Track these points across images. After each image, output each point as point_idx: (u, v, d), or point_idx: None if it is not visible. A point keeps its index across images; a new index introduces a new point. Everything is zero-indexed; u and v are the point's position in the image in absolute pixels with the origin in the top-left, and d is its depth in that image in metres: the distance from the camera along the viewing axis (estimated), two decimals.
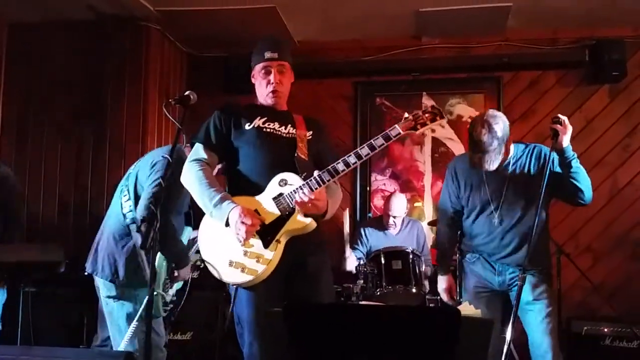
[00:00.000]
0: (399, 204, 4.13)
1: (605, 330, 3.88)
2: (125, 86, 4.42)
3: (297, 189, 2.23)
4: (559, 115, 2.64)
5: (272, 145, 2.37)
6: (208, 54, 5.02)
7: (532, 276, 2.74)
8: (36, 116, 4.46)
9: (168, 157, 2.23)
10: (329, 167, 2.25)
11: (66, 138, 4.41)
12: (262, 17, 4.35)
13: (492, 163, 2.69)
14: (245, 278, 2.26)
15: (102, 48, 4.47)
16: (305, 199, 2.20)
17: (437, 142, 4.78)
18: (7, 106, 4.50)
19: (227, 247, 2.29)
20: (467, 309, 1.72)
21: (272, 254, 2.26)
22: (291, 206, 2.27)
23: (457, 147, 4.70)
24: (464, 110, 4.75)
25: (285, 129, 2.44)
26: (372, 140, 2.25)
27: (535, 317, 2.73)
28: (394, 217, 4.10)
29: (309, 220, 2.26)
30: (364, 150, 2.25)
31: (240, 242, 2.25)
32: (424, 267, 3.43)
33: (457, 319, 1.42)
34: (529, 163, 2.82)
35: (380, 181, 4.79)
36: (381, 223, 4.22)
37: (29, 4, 4.22)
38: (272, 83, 2.43)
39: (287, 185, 2.29)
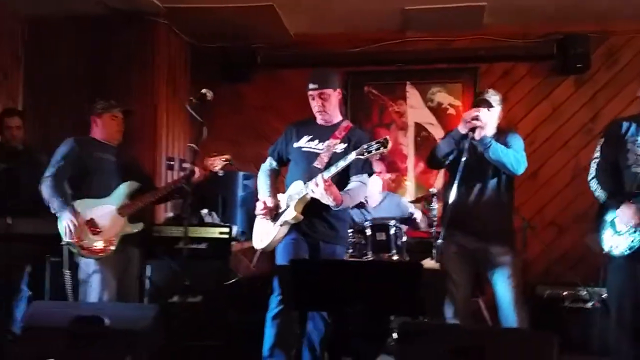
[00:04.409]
0: (372, 183, 4.22)
1: (565, 293, 4.38)
2: (134, 77, 4.75)
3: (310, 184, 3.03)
4: (477, 114, 3.09)
5: (304, 161, 3.22)
6: (209, 45, 5.32)
7: (498, 243, 3.19)
8: (53, 106, 4.78)
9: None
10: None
11: (81, 128, 4.74)
12: (261, 12, 4.75)
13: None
14: (258, 245, 3.28)
15: (112, 41, 4.78)
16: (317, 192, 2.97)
17: (419, 127, 5.25)
18: (28, 96, 4.84)
19: (261, 223, 3.30)
20: (428, 263, 2.19)
21: (275, 233, 3.17)
22: (288, 205, 3.14)
23: (438, 132, 5.15)
24: (444, 98, 5.20)
25: (322, 145, 3.20)
26: (340, 160, 3.03)
27: (499, 276, 3.17)
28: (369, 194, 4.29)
29: (294, 214, 3.09)
30: (332, 169, 3.03)
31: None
32: (405, 238, 3.91)
33: (419, 270, 1.91)
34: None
35: None
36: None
37: None
38: (315, 107, 3.23)
39: (295, 188, 3.15)
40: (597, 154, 3.14)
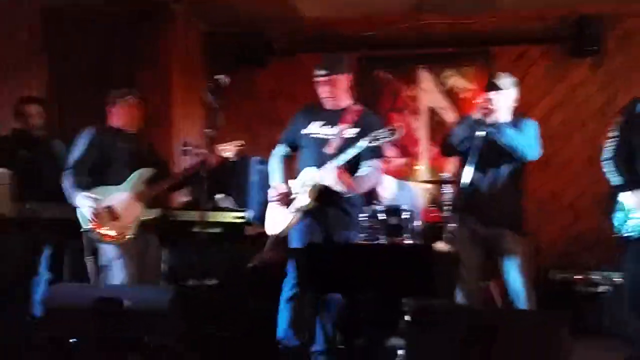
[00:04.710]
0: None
1: (578, 277, 4.39)
2: (150, 64, 4.81)
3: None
4: (489, 98, 3.10)
5: (315, 147, 3.23)
6: (223, 32, 5.36)
7: (509, 229, 3.21)
8: (74, 96, 4.86)
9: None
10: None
11: (100, 115, 4.80)
12: None
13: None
14: (271, 231, 3.30)
15: (128, 28, 4.84)
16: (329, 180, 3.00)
17: (432, 112, 5.25)
18: (48, 86, 4.90)
19: (273, 209, 3.31)
20: (439, 246, 2.22)
21: (288, 220, 3.20)
22: (300, 192, 3.14)
23: (451, 116, 5.14)
24: (457, 82, 5.18)
25: (333, 130, 3.19)
26: (351, 148, 3.04)
27: (510, 262, 3.20)
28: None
29: (306, 201, 3.11)
30: (343, 156, 3.05)
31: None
32: (417, 222, 3.94)
33: (429, 253, 1.94)
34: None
35: None
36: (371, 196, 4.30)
37: None
38: (323, 93, 3.22)
39: (307, 175, 3.16)
40: (612, 134, 3.11)
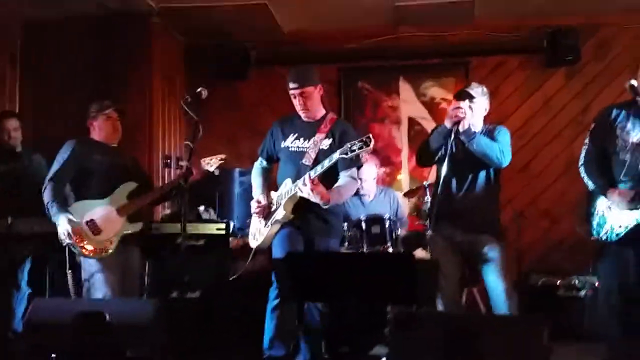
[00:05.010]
0: (367, 170, 4.37)
1: (559, 281, 4.45)
2: (132, 76, 4.81)
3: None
4: (459, 106, 3.12)
5: (292, 160, 3.27)
6: (203, 44, 5.37)
7: (486, 235, 3.24)
8: (50, 107, 4.83)
9: None
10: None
11: (79, 129, 4.74)
12: (254, 11, 4.80)
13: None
14: (253, 243, 3.36)
15: (107, 42, 4.85)
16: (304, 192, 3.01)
17: (412, 121, 5.32)
18: (25, 98, 4.84)
19: (255, 222, 3.37)
20: (419, 253, 2.26)
21: (266, 232, 3.24)
22: (279, 204, 3.19)
23: (431, 126, 5.19)
24: (437, 92, 5.26)
25: (308, 142, 3.23)
26: (326, 160, 3.03)
27: (489, 267, 3.21)
28: (364, 180, 4.32)
29: (284, 212, 3.14)
30: (319, 168, 3.04)
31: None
32: (400, 231, 3.98)
33: (409, 260, 1.97)
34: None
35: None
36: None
37: (44, 1, 4.59)
38: (298, 106, 3.25)
39: (285, 187, 3.20)
40: (587, 141, 3.19)
